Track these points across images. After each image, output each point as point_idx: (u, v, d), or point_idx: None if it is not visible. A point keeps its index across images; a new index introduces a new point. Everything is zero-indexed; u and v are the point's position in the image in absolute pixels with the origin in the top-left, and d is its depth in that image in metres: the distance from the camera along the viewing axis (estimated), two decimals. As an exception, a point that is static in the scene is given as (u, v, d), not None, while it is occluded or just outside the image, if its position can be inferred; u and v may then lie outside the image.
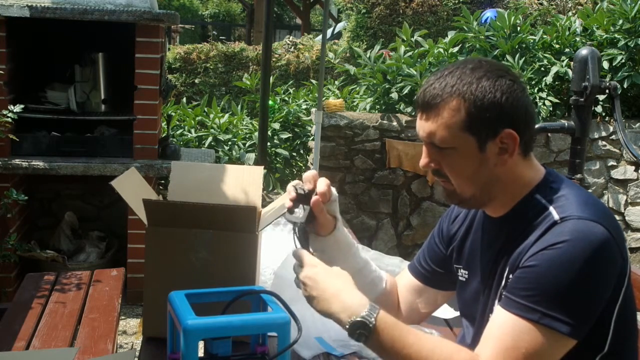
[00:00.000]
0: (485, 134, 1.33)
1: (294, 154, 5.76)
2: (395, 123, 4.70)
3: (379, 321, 1.26)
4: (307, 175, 1.46)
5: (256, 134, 5.25)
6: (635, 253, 4.99)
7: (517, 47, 4.89)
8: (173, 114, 5.62)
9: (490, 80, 1.33)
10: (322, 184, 1.45)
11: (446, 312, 1.89)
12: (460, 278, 1.54)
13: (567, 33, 4.96)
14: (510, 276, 1.32)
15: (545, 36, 4.97)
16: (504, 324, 1.27)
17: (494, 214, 1.44)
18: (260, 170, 1.91)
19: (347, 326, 1.27)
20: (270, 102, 5.55)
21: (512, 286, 1.30)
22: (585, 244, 1.24)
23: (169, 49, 8.12)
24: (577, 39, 4.95)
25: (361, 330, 1.26)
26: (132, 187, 1.75)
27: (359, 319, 1.26)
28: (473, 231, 1.52)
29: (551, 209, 1.32)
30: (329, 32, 10.19)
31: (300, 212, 1.45)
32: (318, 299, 1.32)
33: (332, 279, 1.33)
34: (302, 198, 1.44)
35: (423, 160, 1.40)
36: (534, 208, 1.35)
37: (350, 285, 1.33)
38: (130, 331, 3.56)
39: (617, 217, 4.87)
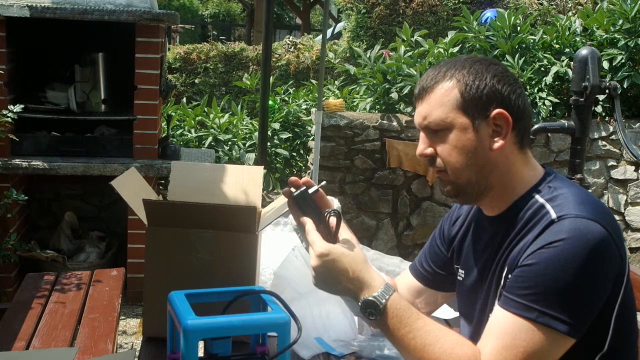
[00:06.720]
0: (477, 113, 1.36)
1: (294, 154, 5.76)
2: (395, 123, 4.70)
3: (390, 303, 1.30)
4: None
5: (256, 134, 5.25)
6: (635, 253, 4.99)
7: (517, 47, 4.89)
8: (173, 114, 5.62)
9: (483, 65, 1.39)
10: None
11: (446, 312, 1.89)
12: (459, 277, 1.54)
13: (567, 33, 4.96)
14: (509, 276, 1.32)
15: (545, 36, 4.97)
16: (502, 323, 1.27)
17: (491, 212, 1.45)
18: (260, 170, 1.91)
19: (359, 304, 1.31)
20: (270, 102, 5.55)
21: (510, 285, 1.30)
22: (582, 242, 1.24)
23: (169, 49, 8.11)
24: (577, 39, 4.95)
25: (371, 309, 1.30)
26: (132, 187, 1.75)
27: (370, 298, 1.30)
28: (471, 231, 1.53)
29: (548, 207, 1.32)
30: (329, 32, 10.19)
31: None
32: (338, 275, 1.31)
33: (352, 257, 1.33)
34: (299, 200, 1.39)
35: (419, 147, 1.42)
36: (531, 207, 1.35)
37: (369, 265, 1.35)
38: (130, 331, 3.57)
39: (617, 217, 4.87)
